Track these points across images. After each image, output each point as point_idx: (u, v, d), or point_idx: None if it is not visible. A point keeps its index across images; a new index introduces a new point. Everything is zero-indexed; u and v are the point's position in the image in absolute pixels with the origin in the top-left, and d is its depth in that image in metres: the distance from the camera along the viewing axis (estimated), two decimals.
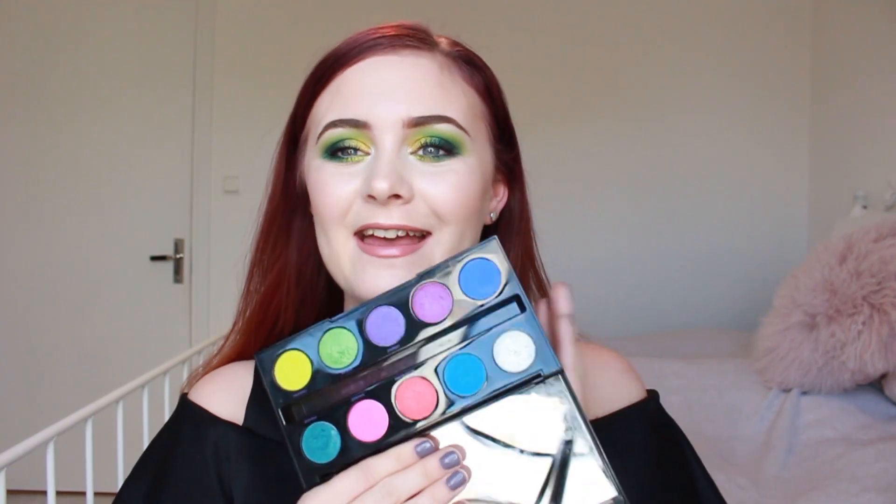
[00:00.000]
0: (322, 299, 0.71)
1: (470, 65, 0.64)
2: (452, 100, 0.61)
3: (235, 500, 0.62)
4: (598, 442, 0.48)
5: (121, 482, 1.44)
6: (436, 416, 0.49)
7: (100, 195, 3.05)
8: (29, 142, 3.04)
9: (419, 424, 0.49)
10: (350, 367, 0.50)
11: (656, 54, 3.03)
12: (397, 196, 0.58)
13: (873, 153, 2.55)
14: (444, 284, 0.51)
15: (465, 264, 0.51)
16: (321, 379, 0.51)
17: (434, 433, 0.49)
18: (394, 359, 0.50)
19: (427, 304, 0.51)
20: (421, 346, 0.50)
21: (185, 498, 0.63)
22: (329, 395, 0.50)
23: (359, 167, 0.60)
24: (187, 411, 0.68)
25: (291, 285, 0.69)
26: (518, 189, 0.69)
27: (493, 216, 0.68)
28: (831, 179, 2.84)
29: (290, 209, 0.68)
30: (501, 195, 0.69)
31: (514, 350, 0.49)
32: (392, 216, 0.58)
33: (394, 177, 0.57)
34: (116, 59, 3.04)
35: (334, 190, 0.60)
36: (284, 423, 0.50)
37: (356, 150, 0.60)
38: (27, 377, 3.05)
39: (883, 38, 2.50)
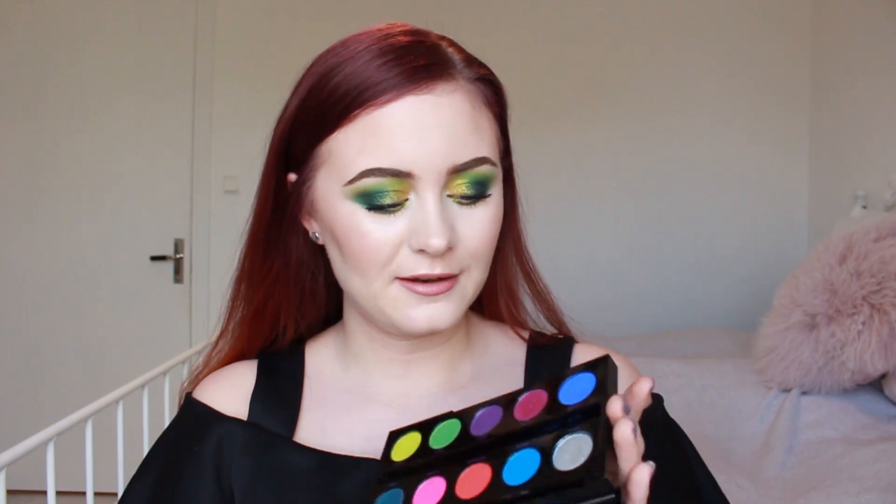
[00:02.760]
0: (323, 300, 0.71)
1: (486, 83, 0.62)
2: (484, 134, 0.60)
3: (236, 491, 0.63)
4: None
5: (121, 482, 1.45)
6: (479, 500, 0.50)
7: (100, 196, 3.05)
8: (30, 143, 3.04)
9: (466, 503, 0.51)
10: (443, 448, 0.55)
11: (656, 54, 3.03)
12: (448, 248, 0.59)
13: (873, 153, 2.55)
14: (545, 390, 0.54)
15: (572, 376, 0.54)
16: (419, 455, 0.56)
17: None
18: (477, 446, 0.54)
19: (526, 406, 0.54)
20: (503, 440, 0.53)
21: (187, 492, 0.64)
22: (415, 468, 0.55)
23: (398, 214, 0.59)
24: (192, 409, 0.69)
25: (288, 293, 0.69)
26: (509, 184, 0.70)
27: None
28: (831, 179, 2.84)
29: (283, 223, 0.67)
30: None
31: (573, 451, 0.49)
32: (436, 267, 0.59)
33: (447, 232, 0.57)
34: (117, 59, 3.04)
35: (377, 239, 0.59)
36: (376, 484, 0.56)
37: (396, 203, 0.58)
38: (27, 377, 3.05)
39: (883, 38, 2.50)
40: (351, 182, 0.58)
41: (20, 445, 1.14)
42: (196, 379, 0.72)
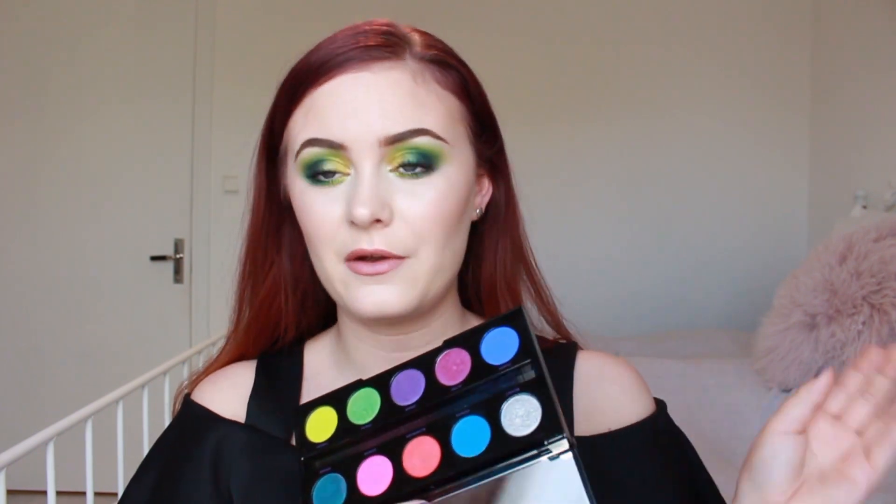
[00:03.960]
0: (323, 298, 0.71)
1: (443, 66, 0.62)
2: (428, 109, 0.60)
3: (234, 493, 0.63)
4: None
5: (121, 482, 1.45)
6: (437, 476, 0.49)
7: (100, 196, 3.05)
8: (30, 143, 3.04)
9: (420, 483, 0.49)
10: (369, 423, 0.52)
11: (656, 54, 3.03)
12: (378, 220, 0.58)
13: (873, 153, 2.55)
14: (466, 350, 0.52)
15: (487, 332, 0.53)
16: (343, 433, 0.53)
17: (444, 498, 0.49)
18: (410, 417, 0.51)
19: (448, 368, 0.52)
20: (436, 408, 0.51)
21: (186, 495, 0.64)
22: (346, 449, 0.52)
23: (339, 189, 0.60)
24: (190, 410, 0.69)
25: (289, 292, 0.69)
26: (503, 181, 0.69)
27: (479, 212, 0.68)
28: (831, 179, 2.84)
29: (276, 219, 0.68)
30: (486, 190, 0.68)
31: (521, 415, 0.49)
32: (374, 241, 0.58)
33: (374, 203, 0.57)
34: (117, 59, 3.04)
35: (320, 216, 0.60)
36: (305, 472, 0.52)
37: (335, 172, 0.60)
38: (27, 377, 3.05)
39: (883, 38, 2.50)
40: (297, 156, 0.61)
41: (20, 445, 1.14)
42: (195, 381, 0.72)
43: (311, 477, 0.52)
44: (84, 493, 1.37)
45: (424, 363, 0.53)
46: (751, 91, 3.01)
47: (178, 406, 0.71)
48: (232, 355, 0.72)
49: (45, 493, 1.20)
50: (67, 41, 3.03)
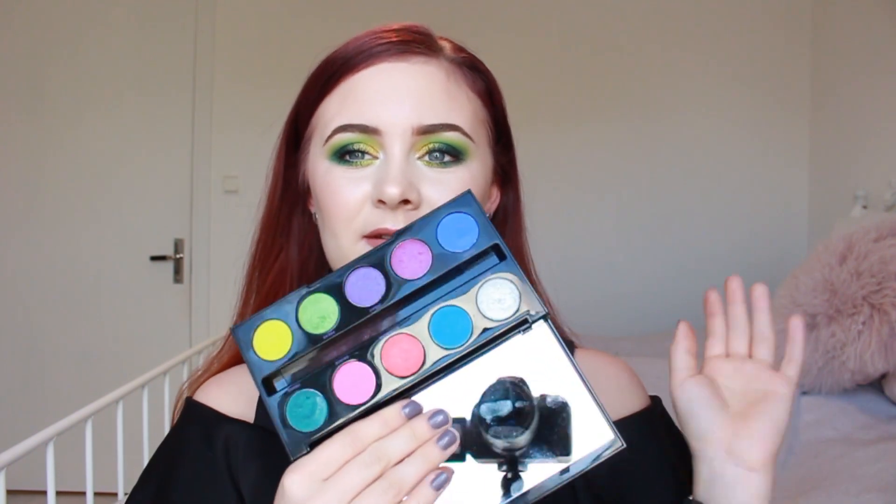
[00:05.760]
0: None
1: (473, 70, 0.65)
2: (459, 107, 0.62)
3: (245, 493, 0.62)
4: (590, 385, 0.47)
5: (121, 482, 1.45)
6: (425, 371, 0.47)
7: (100, 195, 3.05)
8: (30, 142, 3.04)
9: (407, 381, 0.47)
10: (331, 331, 0.49)
11: (656, 55, 3.03)
12: (405, 202, 0.59)
13: (873, 153, 2.55)
14: (422, 240, 0.50)
15: (441, 219, 0.51)
16: (302, 346, 0.49)
17: (424, 392, 0.47)
18: (376, 318, 0.49)
19: (406, 261, 0.50)
20: (403, 303, 0.49)
21: (196, 497, 0.62)
22: (312, 362, 0.49)
23: (367, 171, 0.61)
24: (194, 412, 0.68)
25: (294, 282, 0.70)
26: (512, 189, 0.71)
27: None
28: (831, 179, 2.84)
29: (290, 206, 0.69)
30: (494, 197, 0.70)
31: (498, 298, 0.49)
32: (398, 221, 0.59)
33: (404, 183, 0.59)
34: (117, 59, 3.04)
35: (345, 195, 0.61)
36: (267, 395, 0.48)
37: (364, 153, 0.61)
38: (27, 377, 3.05)
39: (883, 38, 2.50)
40: (327, 140, 0.62)
41: (20, 445, 1.15)
42: (196, 382, 0.71)
43: (279, 398, 0.48)
44: (84, 493, 1.37)
45: (377, 259, 0.50)
46: (751, 91, 3.01)
47: (178, 406, 0.70)
48: (235, 351, 0.71)
49: (45, 493, 1.20)
50: (67, 41, 3.03)
